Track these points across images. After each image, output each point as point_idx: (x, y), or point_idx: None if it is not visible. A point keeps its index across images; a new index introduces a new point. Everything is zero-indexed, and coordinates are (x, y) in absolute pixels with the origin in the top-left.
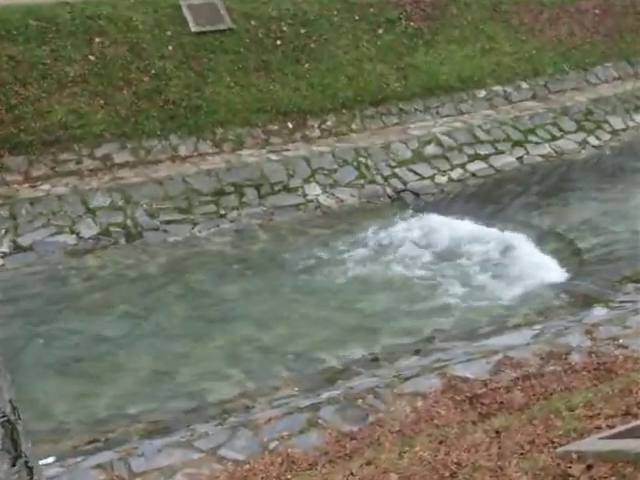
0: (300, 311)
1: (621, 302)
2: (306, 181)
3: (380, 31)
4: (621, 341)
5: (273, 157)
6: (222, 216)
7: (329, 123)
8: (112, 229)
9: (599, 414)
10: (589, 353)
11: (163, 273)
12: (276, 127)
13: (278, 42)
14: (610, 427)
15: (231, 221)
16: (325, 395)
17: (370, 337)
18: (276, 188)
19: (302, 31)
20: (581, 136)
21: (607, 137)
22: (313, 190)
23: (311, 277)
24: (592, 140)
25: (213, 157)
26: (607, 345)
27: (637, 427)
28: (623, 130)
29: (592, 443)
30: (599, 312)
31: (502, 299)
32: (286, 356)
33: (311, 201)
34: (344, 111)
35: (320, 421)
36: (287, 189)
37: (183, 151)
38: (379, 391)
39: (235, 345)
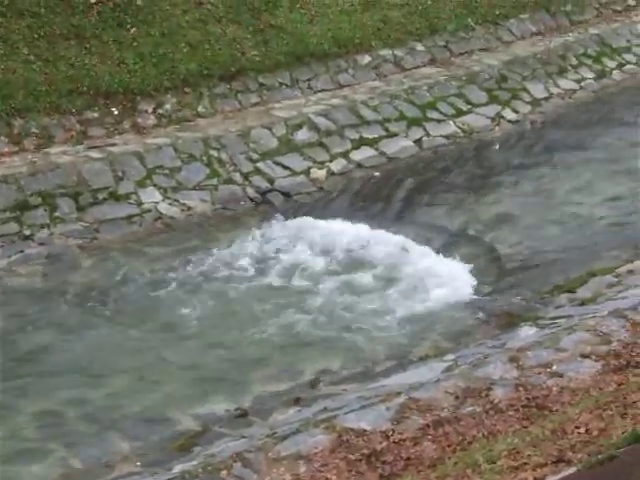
0: (142, 358)
1: (553, 318)
2: (140, 185)
3: None
4: (555, 368)
5: (94, 155)
6: (27, 237)
7: (167, 106)
8: None
9: (525, 464)
10: (516, 386)
11: None
12: (96, 114)
13: (93, 0)
14: None
15: (40, 244)
16: (178, 468)
17: (236, 385)
18: (100, 196)
19: None
20: (494, 109)
21: (526, 109)
22: (150, 196)
23: (152, 311)
24: (508, 114)
25: (11, 158)
26: (538, 374)
27: (568, 478)
28: (545, 99)
29: None
30: (526, 333)
31: (402, 324)
32: (126, 420)
33: (148, 211)
34: (187, 89)
35: None
36: (115, 197)
37: None
38: (249, 457)
39: (56, 410)
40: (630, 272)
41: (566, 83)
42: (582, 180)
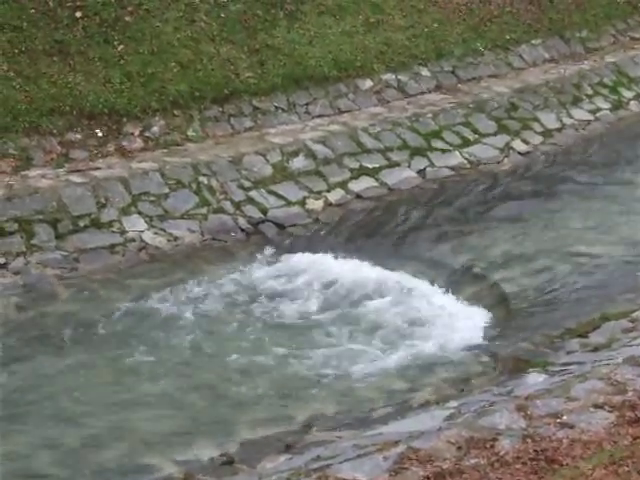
0: (120, 397)
1: (563, 365)
2: (124, 212)
3: None
4: (565, 418)
5: (75, 179)
6: (2, 266)
7: (155, 129)
8: None
9: None
10: (523, 437)
11: None
12: (79, 136)
13: (78, 14)
14: None
15: (15, 273)
16: None
17: (222, 428)
18: (81, 223)
19: None
20: (503, 140)
21: (537, 140)
22: (135, 225)
23: (135, 349)
24: (518, 145)
25: None
26: (547, 425)
27: None
28: (558, 130)
29: None
30: (535, 379)
31: (402, 367)
32: (102, 466)
33: (132, 240)
34: (176, 112)
35: None
36: (97, 224)
37: None
38: None
39: (25, 453)
40: None
41: (580, 113)
42: (595, 218)
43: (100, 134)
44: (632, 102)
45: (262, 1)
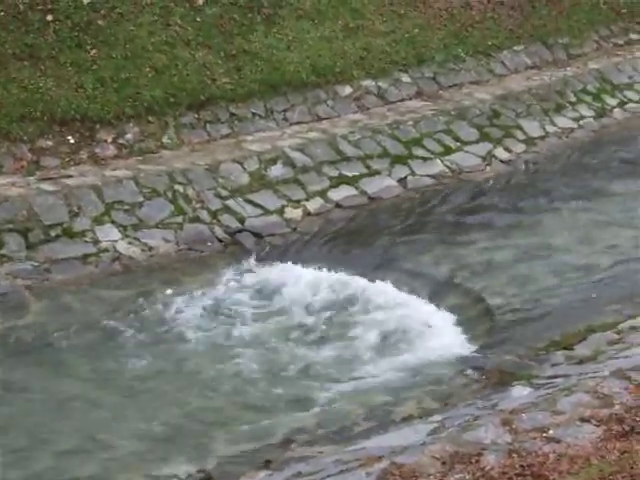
0: (92, 414)
1: (549, 378)
2: (97, 221)
3: (200, 1)
4: (551, 432)
5: (47, 187)
6: None
7: (129, 136)
8: None
9: None
10: (509, 452)
11: None
12: (50, 142)
13: (49, 17)
14: None
15: None
16: None
17: (199, 445)
18: (53, 233)
19: (85, 1)
20: (485, 148)
21: (520, 148)
22: (108, 234)
23: (105, 362)
24: (500, 153)
25: None
26: (533, 439)
27: None
28: (541, 138)
29: None
30: (520, 393)
31: (384, 380)
32: None
33: (106, 250)
34: (151, 118)
35: None
36: (69, 234)
37: None
38: None
39: None
40: (633, 328)
41: (563, 121)
42: (580, 228)
43: (72, 141)
44: (616, 110)
45: (239, 5)
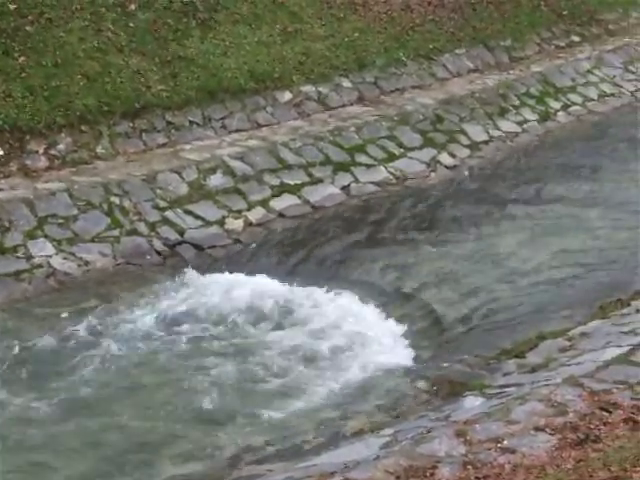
0: (31, 435)
1: (501, 387)
2: (30, 236)
3: (132, 6)
4: (506, 443)
5: None
6: None
7: (61, 146)
8: None
9: None
10: (464, 464)
11: None
12: None
13: None
14: None
15: None
16: None
17: (143, 465)
18: None
19: (11, 7)
20: (429, 153)
21: (465, 153)
22: (42, 249)
23: (42, 382)
24: (445, 158)
25: None
26: (487, 450)
27: None
28: (485, 143)
29: None
30: (472, 403)
31: (333, 394)
32: None
33: (39, 266)
34: (84, 127)
35: None
36: (1, 250)
37: None
38: None
39: None
40: (583, 335)
41: (507, 125)
42: (527, 233)
43: (1, 152)
44: (559, 113)
45: (173, 10)
